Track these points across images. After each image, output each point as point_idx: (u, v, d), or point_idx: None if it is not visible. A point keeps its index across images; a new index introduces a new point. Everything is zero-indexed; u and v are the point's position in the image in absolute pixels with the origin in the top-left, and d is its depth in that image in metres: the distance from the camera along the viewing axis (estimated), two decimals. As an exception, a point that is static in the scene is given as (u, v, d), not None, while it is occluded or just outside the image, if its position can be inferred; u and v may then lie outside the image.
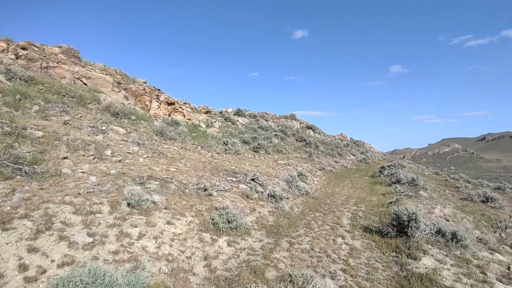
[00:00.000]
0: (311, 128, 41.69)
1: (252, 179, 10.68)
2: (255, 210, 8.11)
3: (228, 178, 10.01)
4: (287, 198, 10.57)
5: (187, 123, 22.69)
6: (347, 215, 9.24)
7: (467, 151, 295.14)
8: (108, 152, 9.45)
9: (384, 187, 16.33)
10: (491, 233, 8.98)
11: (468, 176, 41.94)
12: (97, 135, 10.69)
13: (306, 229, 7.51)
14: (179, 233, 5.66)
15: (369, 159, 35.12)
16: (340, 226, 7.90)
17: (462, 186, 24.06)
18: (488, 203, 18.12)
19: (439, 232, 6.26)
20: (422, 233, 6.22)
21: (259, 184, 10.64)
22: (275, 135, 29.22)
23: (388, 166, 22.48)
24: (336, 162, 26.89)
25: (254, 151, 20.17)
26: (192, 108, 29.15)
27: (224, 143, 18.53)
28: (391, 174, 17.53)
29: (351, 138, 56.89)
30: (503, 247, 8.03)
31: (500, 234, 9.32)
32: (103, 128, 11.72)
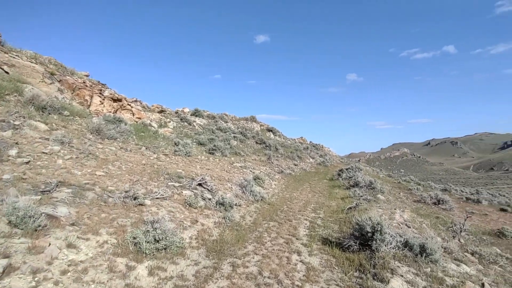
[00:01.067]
0: (271, 131, 41.13)
1: (200, 184, 9.28)
2: (197, 221, 6.74)
3: (169, 183, 8.50)
4: (239, 206, 9.33)
5: (136, 122, 20.58)
6: (304, 224, 8.24)
7: (414, 155, 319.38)
8: (13, 152, 7.48)
9: (342, 190, 15.82)
10: (452, 239, 8.55)
11: (416, 178, 44.18)
12: (4, 131, 8.61)
13: (256, 244, 6.30)
14: (81, 261, 4.12)
15: (328, 162, 35.33)
16: (296, 239, 6.82)
17: (414, 189, 24.74)
18: (440, 205, 18.52)
19: (406, 244, 5.45)
20: (388, 246, 5.35)
21: (207, 189, 9.27)
22: (234, 137, 27.96)
23: (346, 169, 22.32)
24: (295, 165, 26.34)
25: (210, 153, 18.73)
26: (144, 107, 26.85)
27: (175, 143, 16.87)
28: (349, 177, 17.17)
29: (310, 142, 57.62)
30: (466, 255, 7.55)
31: (459, 240, 8.95)
32: (17, 123, 9.57)
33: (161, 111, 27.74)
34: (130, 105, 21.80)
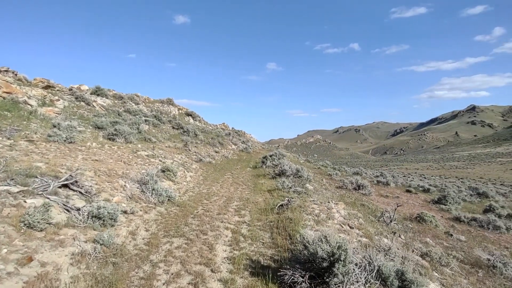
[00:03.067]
0: (191, 115, 37.66)
1: (66, 185, 6.04)
2: (33, 259, 3.74)
3: (2, 188, 5.10)
4: (133, 213, 6.45)
5: (3, 98, 15.21)
6: (225, 237, 5.89)
7: (326, 141, 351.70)
8: None
9: (268, 180, 14.10)
10: (394, 237, 7.41)
11: (330, 162, 46.56)
12: None
13: (142, 292, 3.71)
14: None
15: (250, 148, 33.92)
16: (212, 271, 4.36)
17: (333, 174, 25.08)
18: (360, 190, 18.57)
19: (378, 275, 3.61)
20: (353, 283, 3.41)
21: (80, 192, 6.10)
22: (146, 121, 23.92)
23: (270, 156, 20.92)
24: (216, 152, 23.92)
25: (109, 139, 14.87)
26: (20, 79, 20.60)
27: (54, 125, 12.59)
28: (275, 165, 15.64)
29: (232, 128, 56.01)
30: (420, 262, 6.37)
31: (399, 236, 7.92)
32: None
33: (47, 87, 21.76)
34: (-8, 74, 16.09)
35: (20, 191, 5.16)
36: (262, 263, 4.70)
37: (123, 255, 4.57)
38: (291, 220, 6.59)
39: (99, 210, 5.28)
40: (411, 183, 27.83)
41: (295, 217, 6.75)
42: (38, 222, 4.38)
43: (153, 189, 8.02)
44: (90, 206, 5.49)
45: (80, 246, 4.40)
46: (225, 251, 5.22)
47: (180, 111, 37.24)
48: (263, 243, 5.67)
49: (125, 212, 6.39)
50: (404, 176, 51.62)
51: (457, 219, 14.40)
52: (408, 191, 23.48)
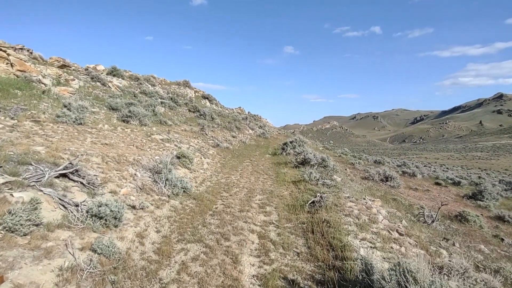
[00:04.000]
0: (207, 98, 36.66)
1: (65, 175, 5.13)
2: (4, 280, 2.84)
3: (-14, 179, 4.22)
4: (141, 209, 5.51)
5: (16, 76, 14.60)
6: (251, 244, 4.85)
7: (342, 128, 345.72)
8: None
9: (291, 169, 12.98)
10: (450, 246, 6.20)
11: (349, 150, 44.81)
12: None
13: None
14: None
15: (267, 133, 32.77)
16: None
17: (356, 163, 23.67)
18: (388, 182, 17.24)
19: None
20: None
21: (82, 183, 5.19)
22: (162, 103, 23.08)
23: (291, 142, 19.72)
24: (233, 137, 22.91)
25: (123, 121, 14.08)
26: (35, 58, 19.96)
27: (64, 106, 11.81)
28: (298, 153, 14.47)
29: (248, 112, 54.94)
30: None
31: (454, 243, 6.68)
32: None
33: (63, 66, 21.10)
34: (7, 52, 15.38)
35: (7, 182, 4.26)
36: (301, 286, 3.65)
37: (126, 269, 3.62)
38: (328, 223, 5.48)
39: (99, 208, 4.33)
40: (438, 175, 26.05)
41: (332, 219, 5.64)
42: (21, 224, 3.45)
43: (167, 179, 7.06)
44: (91, 202, 4.55)
45: (73, 256, 3.46)
46: (253, 265, 4.20)
47: (196, 94, 36.29)
48: (298, 253, 4.62)
49: (133, 207, 5.45)
50: (424, 166, 49.31)
51: (500, 219, 12.92)
52: (437, 183, 21.86)
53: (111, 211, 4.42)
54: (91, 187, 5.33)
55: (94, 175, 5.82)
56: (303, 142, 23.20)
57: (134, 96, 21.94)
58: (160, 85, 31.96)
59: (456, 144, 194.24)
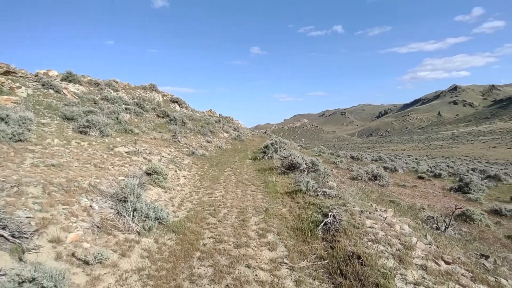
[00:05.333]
0: (176, 102, 34.41)
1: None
2: None
3: None
4: (99, 262, 3.83)
5: None
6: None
7: (312, 125, 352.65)
8: None
9: (279, 176, 11.61)
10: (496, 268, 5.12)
11: (325, 147, 44.47)
12: None
13: None
14: None
15: (243, 136, 31.30)
16: None
17: (338, 162, 22.88)
18: (377, 181, 16.42)
19: None
20: None
21: (3, 236, 3.42)
22: (127, 109, 20.81)
23: (272, 145, 18.39)
24: (208, 142, 21.18)
25: (80, 132, 11.99)
26: (-31, 64, 17.10)
27: (1, 118, 9.56)
28: (284, 157, 13.14)
29: (220, 114, 53.22)
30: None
31: (496, 261, 5.61)
32: None
33: (7, 73, 18.21)
34: None
35: None
36: None
37: None
38: (359, 258, 4.12)
39: (21, 289, 2.62)
40: (418, 168, 26.01)
41: (361, 252, 4.28)
42: None
43: (135, 210, 5.35)
44: (10, 274, 2.81)
45: None
46: None
47: (164, 98, 33.92)
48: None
49: (86, 262, 3.75)
50: (395, 158, 50.29)
51: (496, 212, 12.43)
52: (420, 177, 21.59)
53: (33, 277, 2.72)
54: (19, 239, 3.55)
55: (27, 218, 4.03)
56: (283, 143, 21.99)
57: (95, 103, 19.54)
58: (123, 90, 29.34)
59: (419, 134, 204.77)
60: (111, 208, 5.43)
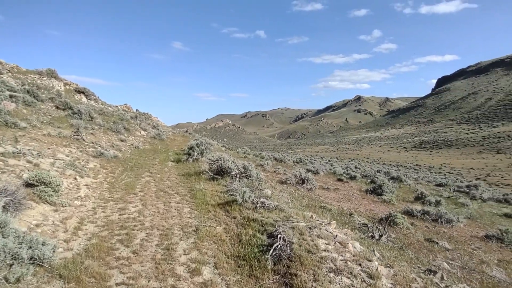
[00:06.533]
0: (83, 93, 29.56)
1: None
2: None
3: None
4: None
5: None
6: None
7: (235, 126, 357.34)
8: None
9: (208, 183, 10.23)
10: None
11: (248, 148, 44.56)
12: None
13: None
14: None
15: (163, 134, 28.64)
16: None
17: (265, 164, 22.58)
18: (304, 185, 16.43)
19: None
20: None
21: None
22: (12, 96, 16.48)
23: (197, 146, 16.81)
24: (122, 141, 18.32)
25: None
26: None
27: None
28: (213, 161, 11.78)
29: (137, 110, 48.67)
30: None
31: (443, 277, 5.40)
32: None
33: None
34: None
35: None
36: None
37: None
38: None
39: None
40: (335, 170, 27.66)
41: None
42: None
43: (-8, 251, 3.36)
44: None
45: None
46: None
47: (67, 87, 28.75)
48: None
49: None
50: (311, 159, 53.89)
51: (409, 214, 13.46)
52: (339, 179, 22.82)
53: None
54: None
55: None
56: (209, 144, 20.55)
57: (-39, 86, 14.94)
58: (10, 74, 23.69)
59: (330, 138, 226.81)
60: None
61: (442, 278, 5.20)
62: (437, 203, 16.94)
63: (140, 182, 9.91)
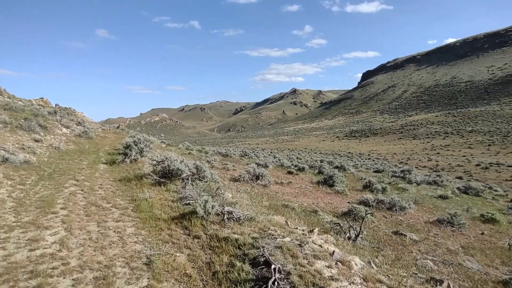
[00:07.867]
0: (-19, 83, 23.98)
1: None
2: None
3: None
4: None
5: None
6: None
7: (172, 120, 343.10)
8: None
9: (154, 190, 8.42)
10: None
11: (190, 143, 42.22)
12: None
13: None
14: None
15: (91, 132, 24.89)
16: None
17: (212, 160, 21.05)
18: (259, 181, 15.42)
19: None
20: None
21: None
22: None
23: (135, 144, 14.51)
24: (37, 141, 14.95)
25: None
26: None
27: None
28: (158, 162, 9.90)
29: (56, 105, 42.47)
30: None
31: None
32: None
33: None
34: None
35: None
36: None
37: None
38: None
39: None
40: (282, 162, 27.38)
41: None
42: None
43: None
44: None
45: None
46: None
47: (-43, 76, 22.89)
48: None
49: None
50: (253, 152, 53.80)
51: (365, 204, 13.41)
52: (289, 172, 22.43)
53: None
54: None
55: None
56: (149, 141, 18.20)
57: None
58: None
59: (269, 130, 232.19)
60: None
61: (448, 286, 4.57)
62: (384, 190, 17.51)
63: (63, 195, 7.64)
